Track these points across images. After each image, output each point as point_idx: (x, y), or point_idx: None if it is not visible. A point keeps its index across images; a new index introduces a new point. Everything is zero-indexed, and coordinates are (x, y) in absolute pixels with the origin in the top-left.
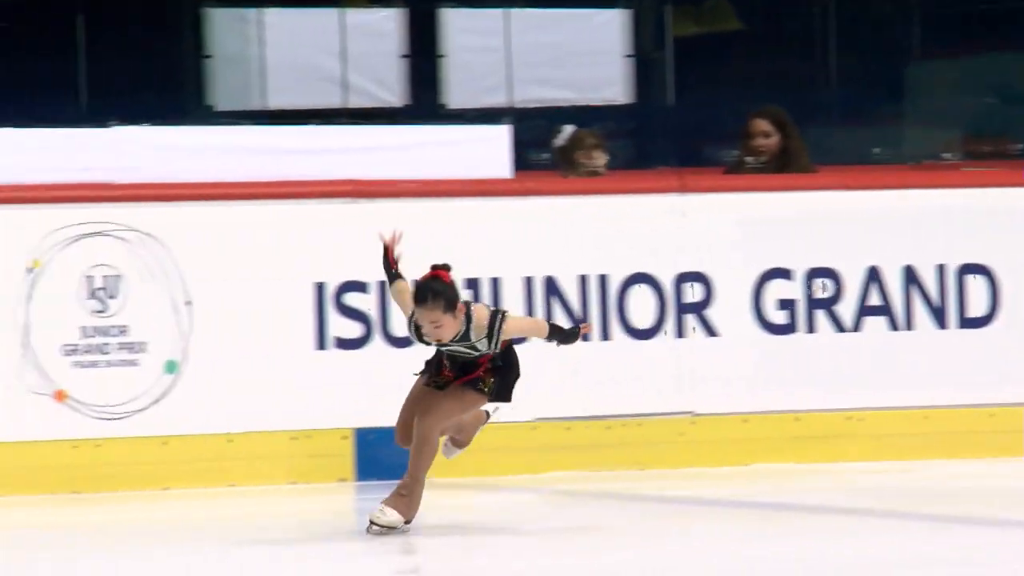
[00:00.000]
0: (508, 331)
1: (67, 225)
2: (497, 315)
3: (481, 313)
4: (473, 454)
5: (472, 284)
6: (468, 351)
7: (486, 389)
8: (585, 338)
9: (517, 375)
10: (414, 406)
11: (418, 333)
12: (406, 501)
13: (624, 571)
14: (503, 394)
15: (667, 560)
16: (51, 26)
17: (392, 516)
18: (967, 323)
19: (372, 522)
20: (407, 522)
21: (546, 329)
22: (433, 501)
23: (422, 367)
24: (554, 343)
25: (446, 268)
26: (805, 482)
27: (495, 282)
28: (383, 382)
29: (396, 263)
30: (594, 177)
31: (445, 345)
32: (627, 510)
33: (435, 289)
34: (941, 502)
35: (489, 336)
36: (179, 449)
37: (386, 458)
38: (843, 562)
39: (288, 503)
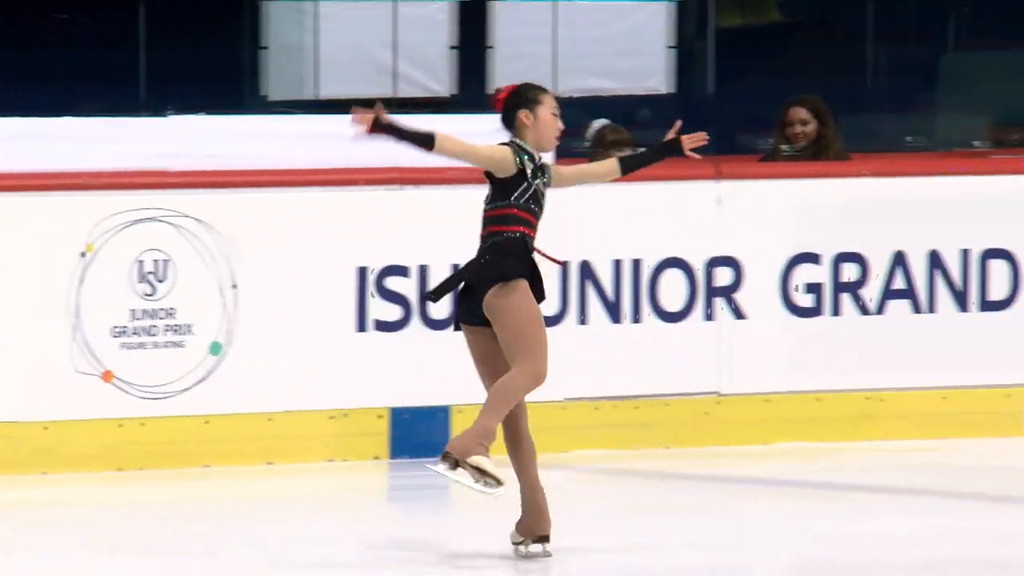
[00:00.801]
0: (558, 176)
1: (120, 211)
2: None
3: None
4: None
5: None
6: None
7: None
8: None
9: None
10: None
11: (532, 160)
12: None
13: (640, 552)
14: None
15: (693, 536)
16: (112, 18)
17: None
18: (988, 306)
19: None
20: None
21: (616, 166)
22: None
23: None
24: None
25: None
26: (829, 461)
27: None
28: (419, 363)
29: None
30: None
31: (537, 185)
32: (667, 485)
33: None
34: (966, 480)
35: (542, 173)
36: (221, 428)
37: (418, 437)
38: (878, 538)
39: (324, 480)
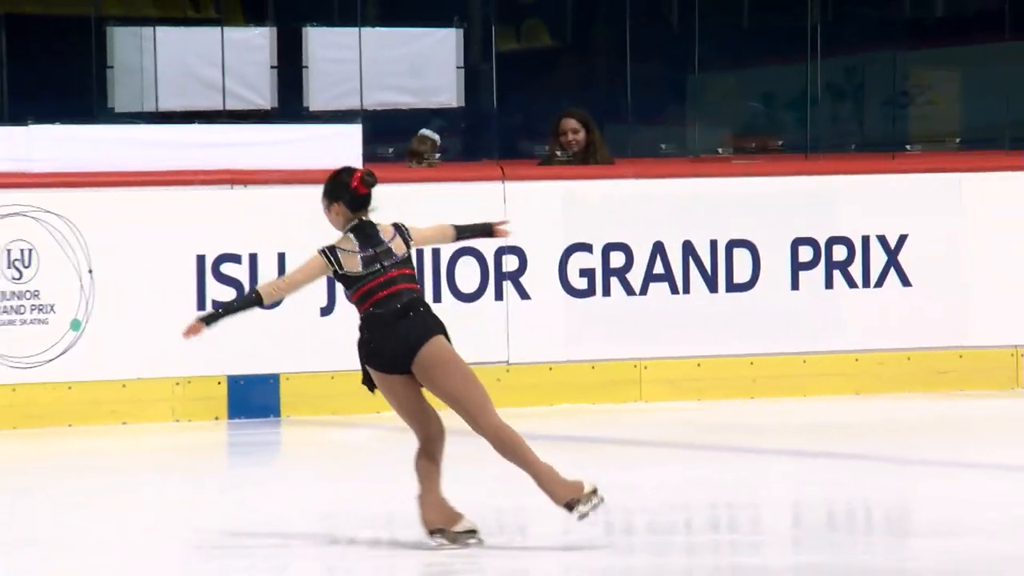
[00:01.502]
0: (413, 232)
1: None
2: (398, 223)
3: (383, 225)
4: (319, 399)
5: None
6: (404, 260)
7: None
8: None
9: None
10: (427, 416)
11: (372, 254)
12: (554, 485)
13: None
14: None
15: (480, 482)
16: None
17: (574, 499)
18: (733, 288)
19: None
20: (591, 493)
21: (452, 231)
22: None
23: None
24: (466, 240)
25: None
26: (602, 419)
27: None
28: (253, 337)
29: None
30: (431, 168)
31: (387, 271)
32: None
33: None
34: (713, 435)
35: (401, 234)
36: (82, 393)
37: (254, 399)
38: (642, 486)
39: (171, 438)
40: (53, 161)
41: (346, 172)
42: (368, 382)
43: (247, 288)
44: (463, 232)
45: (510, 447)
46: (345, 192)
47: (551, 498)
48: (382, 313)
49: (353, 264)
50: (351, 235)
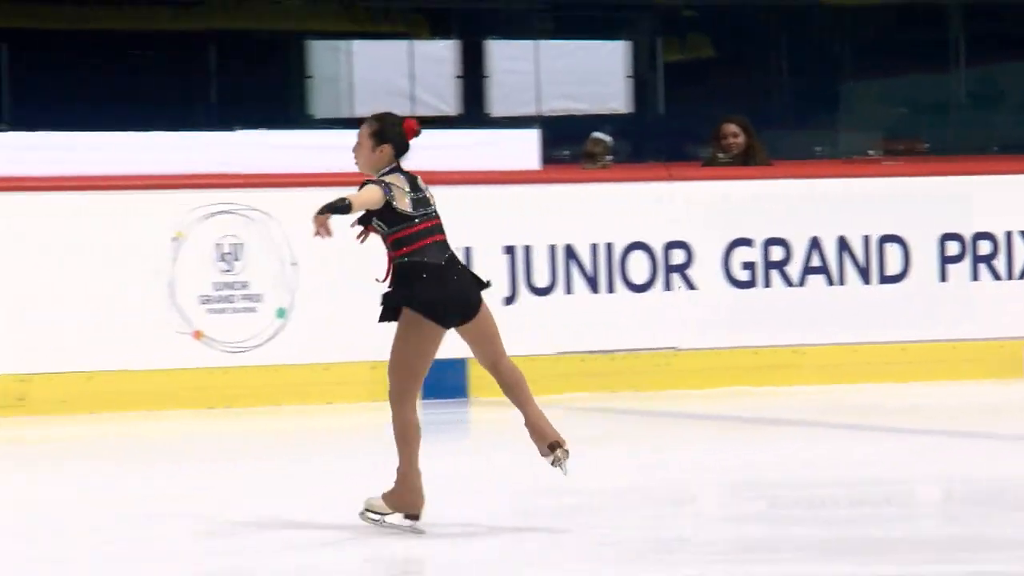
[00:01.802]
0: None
1: (203, 205)
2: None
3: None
4: None
5: (509, 250)
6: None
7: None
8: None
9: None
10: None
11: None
12: (545, 425)
13: (627, 468)
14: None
15: (661, 458)
16: (188, 55)
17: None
18: (885, 279)
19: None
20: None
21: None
22: (479, 415)
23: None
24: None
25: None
26: (761, 401)
27: (527, 249)
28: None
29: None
30: (603, 169)
31: (431, 218)
32: (627, 419)
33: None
34: (867, 416)
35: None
36: (287, 375)
37: (445, 381)
38: (800, 460)
39: (369, 416)
40: (259, 163)
41: (398, 117)
42: (389, 318)
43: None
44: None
45: (521, 385)
46: (397, 136)
47: (539, 437)
48: (433, 264)
49: (404, 203)
50: (399, 175)
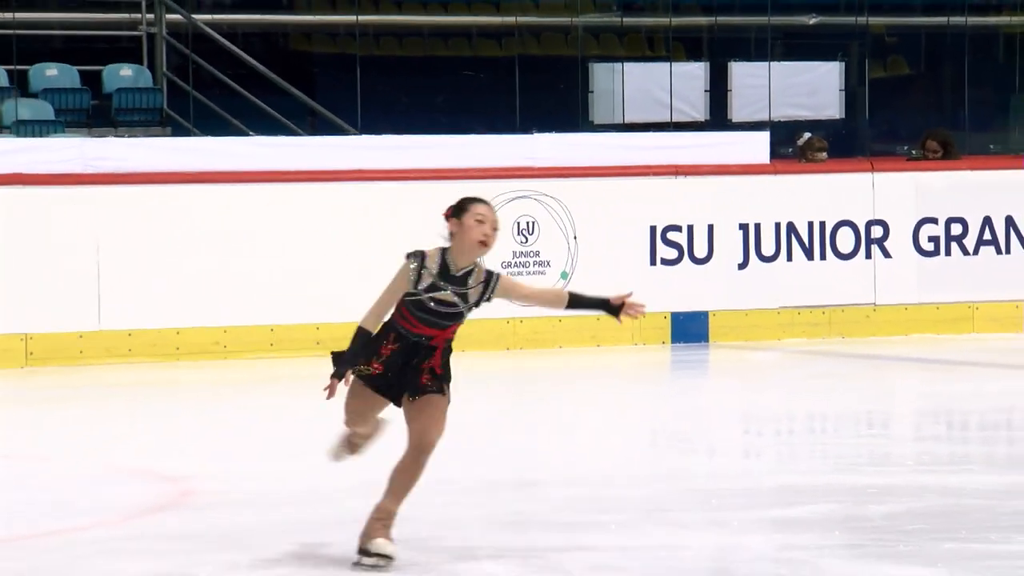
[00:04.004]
0: (505, 287)
1: (507, 191)
2: (493, 272)
3: (480, 266)
4: (738, 329)
5: (743, 226)
6: (459, 301)
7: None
8: (614, 312)
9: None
10: (371, 408)
11: (443, 273)
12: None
13: (835, 398)
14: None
15: (859, 388)
16: (499, 74)
17: (389, 547)
18: None
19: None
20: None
21: (565, 297)
22: (716, 356)
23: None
24: (577, 310)
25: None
26: (944, 347)
27: (757, 225)
28: (690, 282)
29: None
30: (818, 163)
31: (440, 289)
32: (837, 360)
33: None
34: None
35: (485, 284)
36: (568, 322)
37: (690, 329)
38: (983, 392)
39: (633, 357)
40: (551, 159)
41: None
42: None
43: (685, 247)
44: (577, 301)
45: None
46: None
47: (365, 531)
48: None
49: (424, 283)
50: (427, 270)
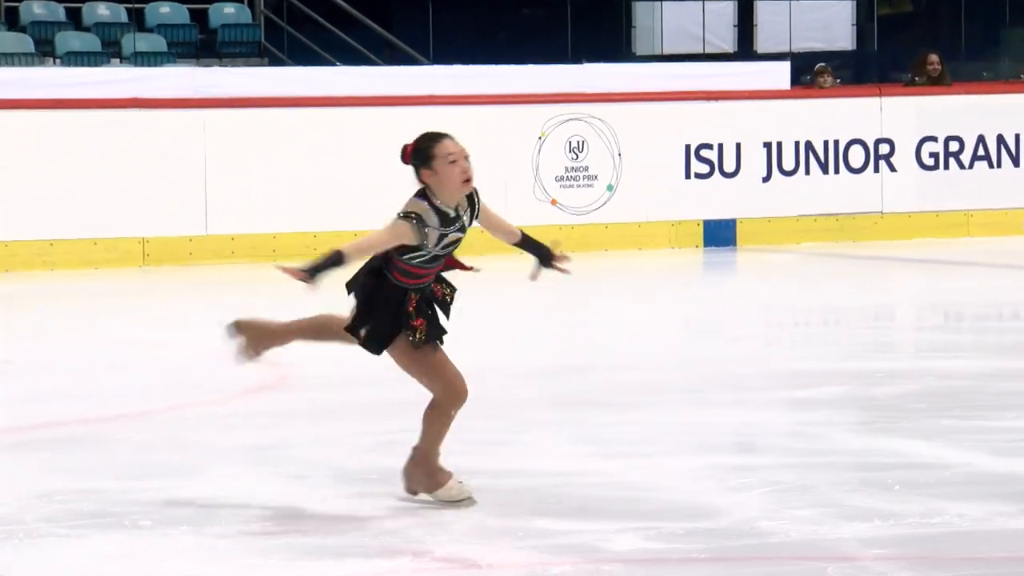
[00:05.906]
0: (484, 207)
1: (559, 115)
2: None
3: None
4: (761, 234)
5: (767, 144)
6: (462, 233)
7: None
8: (551, 264)
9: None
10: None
11: (443, 221)
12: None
13: (849, 294)
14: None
15: (870, 287)
16: (553, 14)
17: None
18: None
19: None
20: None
21: (518, 235)
22: (744, 258)
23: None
24: (522, 249)
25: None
26: (944, 248)
27: (779, 144)
28: (720, 192)
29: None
30: (829, 88)
31: (447, 236)
32: (848, 261)
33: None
34: None
35: (471, 206)
36: (614, 230)
37: (720, 235)
38: (977, 288)
39: (670, 258)
40: (598, 86)
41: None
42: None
43: (715, 162)
44: (526, 243)
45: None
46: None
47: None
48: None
49: (432, 240)
50: (428, 225)
